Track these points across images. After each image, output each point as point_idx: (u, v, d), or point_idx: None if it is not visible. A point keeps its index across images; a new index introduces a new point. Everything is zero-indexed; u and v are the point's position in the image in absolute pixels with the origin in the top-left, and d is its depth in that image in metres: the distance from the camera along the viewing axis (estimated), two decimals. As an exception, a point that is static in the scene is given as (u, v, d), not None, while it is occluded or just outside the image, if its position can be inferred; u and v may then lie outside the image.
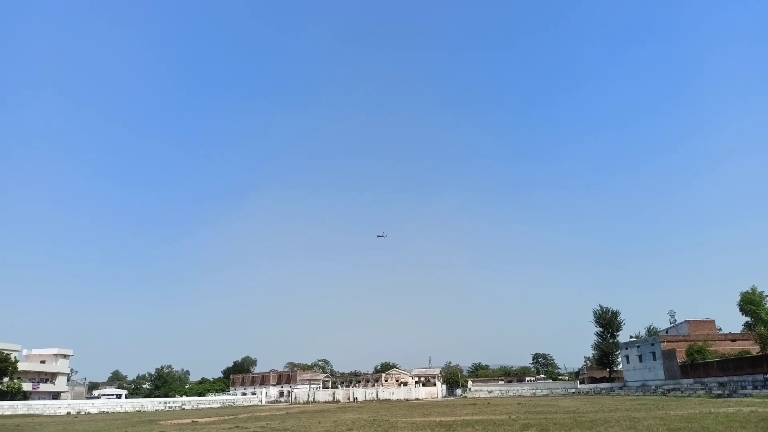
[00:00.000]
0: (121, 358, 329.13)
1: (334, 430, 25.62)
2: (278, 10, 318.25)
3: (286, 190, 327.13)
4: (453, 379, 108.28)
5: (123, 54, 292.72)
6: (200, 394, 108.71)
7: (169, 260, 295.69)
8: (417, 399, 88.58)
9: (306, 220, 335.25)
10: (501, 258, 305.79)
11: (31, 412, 60.56)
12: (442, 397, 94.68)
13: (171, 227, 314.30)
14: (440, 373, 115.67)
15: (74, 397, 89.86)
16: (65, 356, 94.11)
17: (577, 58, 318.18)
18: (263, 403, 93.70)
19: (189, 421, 39.72)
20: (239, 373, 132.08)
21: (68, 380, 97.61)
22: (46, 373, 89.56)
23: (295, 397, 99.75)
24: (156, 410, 71.37)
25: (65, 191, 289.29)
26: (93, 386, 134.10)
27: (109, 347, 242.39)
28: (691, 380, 61.41)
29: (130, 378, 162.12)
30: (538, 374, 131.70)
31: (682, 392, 60.36)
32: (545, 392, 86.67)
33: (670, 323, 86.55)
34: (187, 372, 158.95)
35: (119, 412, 65.26)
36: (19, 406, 61.88)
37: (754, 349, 60.96)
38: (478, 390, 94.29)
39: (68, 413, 61.72)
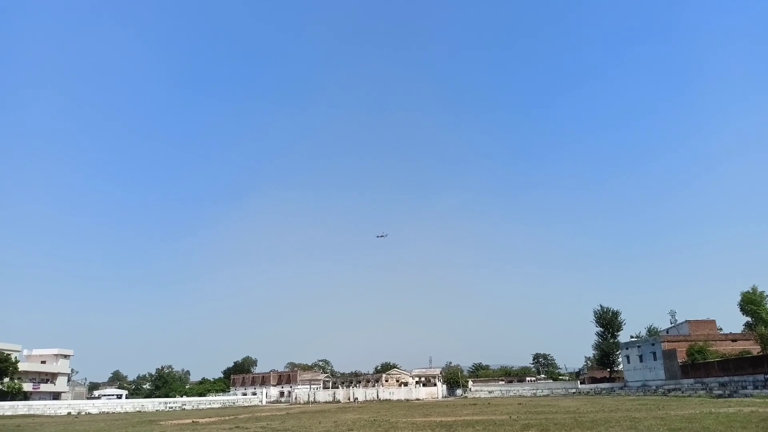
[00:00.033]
0: (121, 359, 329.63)
1: (334, 431, 25.61)
2: (278, 10, 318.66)
3: (286, 190, 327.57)
4: (453, 379, 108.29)
5: (123, 54, 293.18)
6: (201, 395, 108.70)
7: (169, 260, 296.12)
8: (417, 399, 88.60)
9: (306, 220, 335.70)
10: (501, 258, 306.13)
11: (32, 412, 60.55)
12: (443, 397, 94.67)
13: (171, 227, 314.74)
14: (441, 373, 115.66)
15: (75, 398, 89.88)
16: (66, 356, 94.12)
17: (577, 58, 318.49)
18: (264, 403, 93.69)
19: (189, 421, 39.73)
20: (240, 373, 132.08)
21: (69, 380, 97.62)
22: (46, 374, 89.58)
23: (296, 398, 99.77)
24: (156, 410, 71.37)
25: (65, 191, 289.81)
26: (93, 386, 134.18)
27: (110, 347, 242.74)
28: (691, 380, 61.36)
29: (130, 378, 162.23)
30: (539, 374, 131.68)
31: (682, 392, 60.31)
32: (546, 392, 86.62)
33: (671, 323, 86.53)
34: (188, 372, 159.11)
35: (120, 413, 65.24)
36: (19, 407, 61.88)
37: (755, 349, 60.91)
38: (478, 390, 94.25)
39: (69, 413, 61.72)
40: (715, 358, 61.92)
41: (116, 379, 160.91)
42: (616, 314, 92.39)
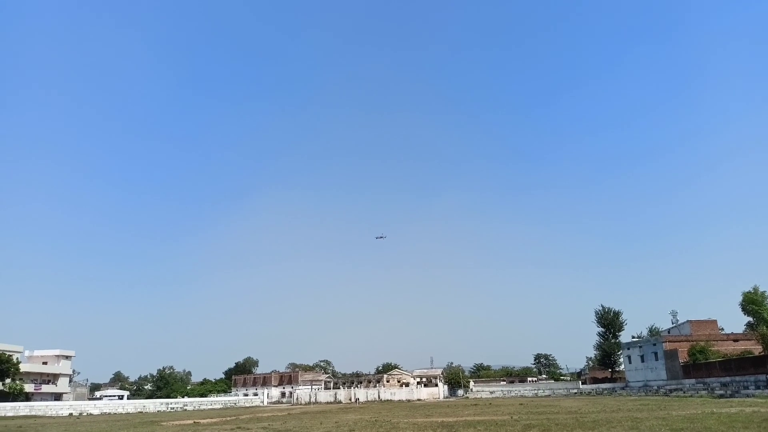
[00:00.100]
0: (122, 359, 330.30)
1: (335, 431, 25.63)
2: (278, 10, 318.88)
3: (286, 190, 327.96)
4: (455, 379, 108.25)
5: (123, 54, 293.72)
6: (202, 395, 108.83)
7: (170, 261, 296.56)
8: (419, 399, 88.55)
9: (307, 220, 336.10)
10: (502, 258, 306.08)
11: (33, 413, 60.63)
12: (444, 397, 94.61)
13: (171, 227, 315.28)
14: (442, 373, 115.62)
15: (76, 399, 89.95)
16: (67, 357, 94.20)
17: (577, 58, 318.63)
18: (265, 404, 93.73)
19: (191, 422, 39.77)
20: (241, 373, 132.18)
21: (70, 381, 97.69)
22: (48, 375, 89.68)
23: (297, 398, 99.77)
24: (158, 411, 71.44)
25: (65, 191, 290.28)
26: (95, 387, 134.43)
27: (111, 348, 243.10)
28: (693, 380, 61.28)
29: (132, 379, 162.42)
30: (540, 375, 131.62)
31: (684, 392, 60.23)
32: (547, 393, 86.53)
33: (672, 323, 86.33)
34: (189, 373, 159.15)
35: (121, 413, 65.31)
36: (21, 408, 61.97)
37: (757, 349, 60.82)
38: (479, 390, 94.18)
39: (70, 414, 61.79)
40: (717, 358, 61.84)
41: (118, 380, 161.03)
42: (617, 314, 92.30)
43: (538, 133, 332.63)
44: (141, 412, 68.20)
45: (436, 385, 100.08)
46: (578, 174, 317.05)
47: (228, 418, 43.06)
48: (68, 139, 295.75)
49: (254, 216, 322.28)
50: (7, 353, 74.74)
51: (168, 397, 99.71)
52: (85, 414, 63.14)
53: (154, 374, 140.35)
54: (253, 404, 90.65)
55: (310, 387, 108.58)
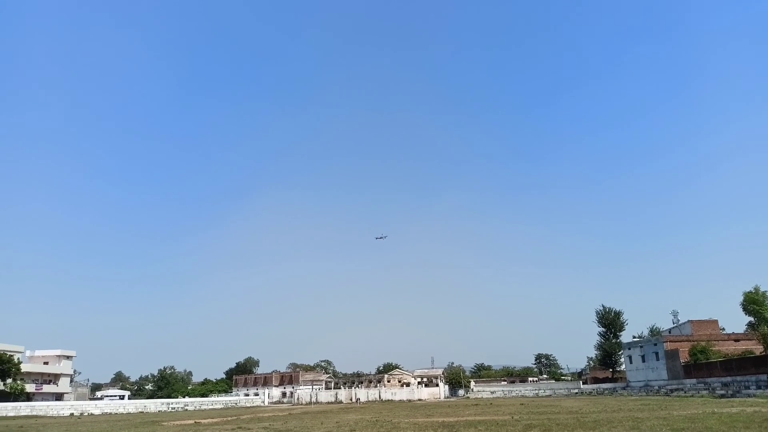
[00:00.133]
0: (123, 359, 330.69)
1: (336, 431, 25.64)
2: (278, 10, 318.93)
3: (286, 190, 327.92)
4: (455, 379, 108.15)
5: (123, 54, 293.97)
6: (203, 395, 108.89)
7: (170, 261, 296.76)
8: (419, 399, 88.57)
9: (307, 220, 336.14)
10: (503, 258, 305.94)
11: (35, 413, 60.71)
12: (445, 397, 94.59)
13: (172, 227, 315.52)
14: (443, 373, 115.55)
15: (77, 399, 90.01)
16: (68, 357, 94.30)
17: (577, 58, 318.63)
18: (266, 404, 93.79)
19: (192, 422, 39.79)
20: (242, 373, 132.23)
21: (71, 381, 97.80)
22: (49, 375, 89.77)
23: (298, 398, 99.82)
24: (159, 411, 71.51)
25: (65, 191, 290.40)
26: (96, 387, 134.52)
27: (112, 348, 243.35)
28: (694, 380, 61.24)
29: (132, 379, 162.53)
30: (541, 374, 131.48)
31: (685, 392, 60.21)
32: (548, 393, 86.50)
33: (673, 323, 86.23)
34: (190, 373, 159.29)
35: (122, 413, 65.38)
36: (22, 408, 62.06)
37: (758, 349, 60.77)
38: (480, 390, 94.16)
39: (71, 414, 61.86)
40: (718, 358, 61.79)
41: (119, 380, 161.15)
42: (618, 314, 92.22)
43: (538, 133, 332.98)
44: (142, 412, 68.26)
45: (437, 385, 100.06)
46: (578, 174, 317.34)
47: (229, 418, 43.09)
48: (68, 139, 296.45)
49: (254, 216, 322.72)
50: (8, 353, 74.84)
51: (169, 397, 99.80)
52: (86, 414, 63.22)
53: (155, 374, 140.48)
54: (254, 404, 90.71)
55: (310, 387, 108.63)
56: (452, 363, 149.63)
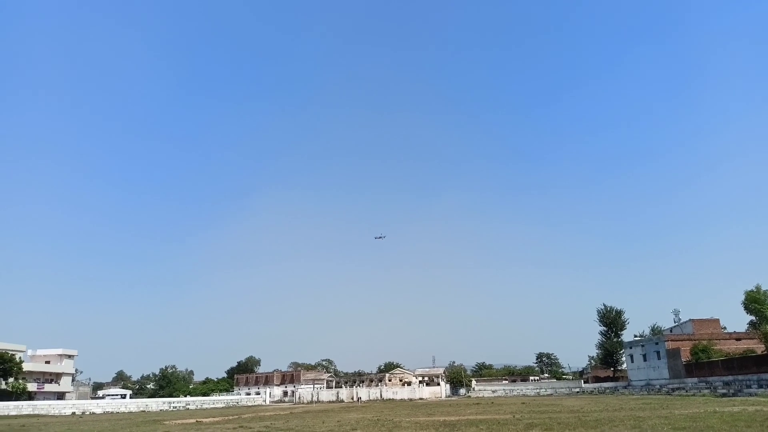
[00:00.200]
0: (125, 359, 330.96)
1: (337, 430, 25.66)
2: (278, 10, 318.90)
3: (286, 190, 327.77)
4: (457, 378, 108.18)
5: (123, 54, 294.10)
6: (204, 394, 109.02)
7: (170, 260, 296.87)
8: (421, 399, 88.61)
9: (307, 220, 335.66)
10: (504, 257, 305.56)
11: (36, 412, 60.82)
12: (446, 396, 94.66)
13: (172, 227, 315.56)
14: (444, 372, 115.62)
15: (79, 398, 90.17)
16: (70, 357, 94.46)
17: (577, 58, 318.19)
18: (267, 403, 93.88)
19: (193, 421, 39.85)
20: (243, 373, 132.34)
21: (73, 380, 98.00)
22: (50, 374, 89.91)
23: (299, 397, 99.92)
24: (160, 410, 71.61)
25: (65, 191, 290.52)
26: (97, 386, 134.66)
27: (114, 348, 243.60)
28: (695, 379, 61.20)
29: (134, 378, 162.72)
30: (542, 374, 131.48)
31: (686, 391, 60.19)
32: (549, 392, 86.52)
33: (675, 322, 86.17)
34: (191, 372, 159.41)
35: (124, 413, 65.49)
36: (24, 407, 62.16)
37: (759, 348, 60.70)
38: (481, 389, 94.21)
39: (73, 413, 61.97)
40: (719, 357, 61.74)
41: (120, 379, 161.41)
42: (619, 313, 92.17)
43: (538, 133, 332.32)
44: (143, 411, 68.38)
45: (438, 384, 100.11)
46: (578, 174, 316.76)
47: (230, 417, 43.14)
48: (68, 139, 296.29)
49: (254, 216, 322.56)
50: (10, 352, 75.00)
51: (170, 396, 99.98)
52: (87, 413, 63.34)
53: (157, 373, 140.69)
54: (256, 403, 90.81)
55: (312, 386, 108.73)
56: (453, 362, 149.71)
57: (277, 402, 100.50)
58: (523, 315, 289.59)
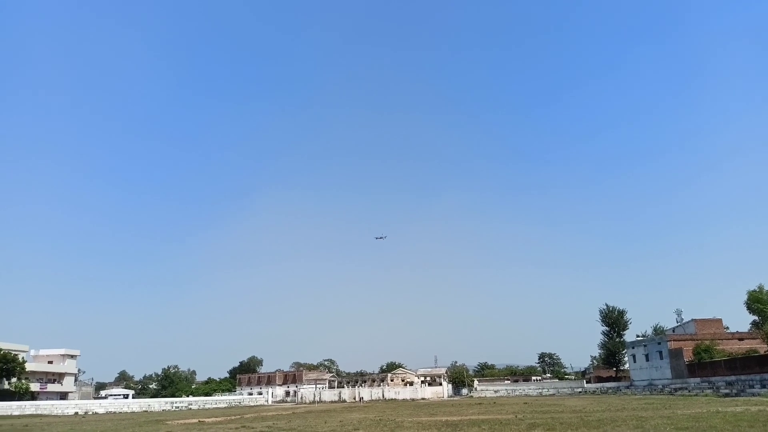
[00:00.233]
0: (127, 359, 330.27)
1: (340, 430, 25.68)
2: (278, 10, 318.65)
3: (286, 190, 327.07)
4: (459, 378, 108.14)
5: (123, 54, 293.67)
6: (207, 394, 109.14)
7: (171, 261, 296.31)
8: (423, 399, 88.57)
9: (307, 220, 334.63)
10: (505, 257, 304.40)
11: (39, 412, 61.00)
12: (448, 396, 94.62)
13: (172, 227, 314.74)
14: (446, 372, 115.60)
15: (82, 398, 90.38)
16: (72, 357, 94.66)
17: (577, 58, 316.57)
18: (269, 402, 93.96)
19: (196, 420, 39.91)
20: (245, 373, 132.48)
21: (75, 380, 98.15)
22: (53, 374, 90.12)
23: (301, 397, 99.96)
24: (163, 410, 71.73)
25: (65, 191, 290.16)
26: (100, 386, 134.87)
27: (116, 348, 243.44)
28: (698, 379, 61.09)
29: (136, 378, 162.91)
30: (545, 374, 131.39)
31: (689, 391, 60.08)
32: (551, 392, 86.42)
33: (677, 322, 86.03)
34: (194, 372, 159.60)
35: (126, 412, 65.63)
36: (27, 407, 62.35)
37: (762, 347, 60.64)
38: (484, 389, 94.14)
39: (76, 413, 62.12)
40: (722, 357, 61.61)
41: (123, 379, 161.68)
42: (621, 313, 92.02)
43: (538, 133, 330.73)
44: (146, 411, 68.51)
45: (440, 384, 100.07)
46: (578, 174, 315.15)
47: (233, 417, 43.20)
48: (68, 139, 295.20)
49: (254, 216, 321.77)
50: (13, 352, 75.22)
51: (173, 396, 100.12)
52: (90, 413, 63.49)
53: (159, 373, 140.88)
54: (258, 403, 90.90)
55: (314, 386, 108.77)
56: (455, 362, 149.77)
57: (279, 402, 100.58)
58: (524, 315, 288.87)
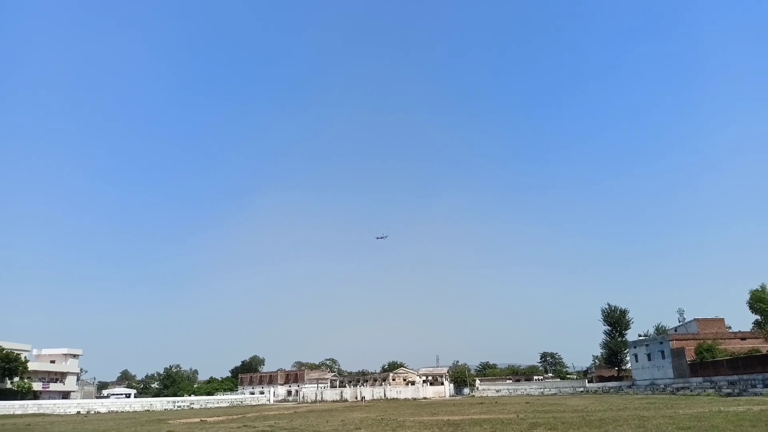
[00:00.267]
0: (130, 358, 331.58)
1: (341, 429, 25.69)
2: (278, 10, 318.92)
3: (286, 190, 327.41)
4: (461, 378, 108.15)
5: (123, 54, 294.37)
6: (209, 394, 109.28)
7: (171, 261, 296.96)
8: (424, 398, 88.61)
9: (307, 220, 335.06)
10: (507, 257, 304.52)
11: (42, 411, 61.16)
12: (450, 396, 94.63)
13: (173, 227, 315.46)
14: (448, 372, 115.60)
15: (84, 397, 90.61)
16: (75, 356, 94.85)
17: (577, 58, 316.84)
18: (271, 402, 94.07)
19: (198, 420, 39.98)
20: (247, 372, 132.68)
21: (78, 380, 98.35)
22: (56, 373, 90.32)
23: (303, 397, 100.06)
24: (165, 409, 71.85)
25: (65, 191, 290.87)
26: (102, 386, 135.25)
27: (118, 347, 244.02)
28: (700, 379, 61.02)
29: (139, 377, 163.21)
30: (546, 373, 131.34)
31: (691, 391, 60.00)
32: (553, 391, 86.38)
33: (679, 321, 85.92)
34: (196, 371, 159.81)
35: (128, 412, 65.76)
36: (29, 406, 62.52)
37: (764, 347, 60.55)
38: (485, 389, 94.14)
39: (78, 413, 62.30)
40: (724, 356, 61.52)
41: (125, 379, 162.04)
42: (623, 313, 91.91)
43: (538, 133, 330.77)
44: (148, 411, 68.64)
45: (442, 384, 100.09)
46: (578, 174, 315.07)
47: (234, 417, 43.26)
48: (68, 139, 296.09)
49: (254, 216, 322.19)
50: (16, 352, 75.39)
51: (175, 395, 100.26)
52: (92, 412, 63.65)
53: (161, 373, 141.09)
54: (260, 402, 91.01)
55: (316, 385, 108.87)
56: (457, 362, 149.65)
57: (281, 401, 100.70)
58: (526, 315, 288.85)
